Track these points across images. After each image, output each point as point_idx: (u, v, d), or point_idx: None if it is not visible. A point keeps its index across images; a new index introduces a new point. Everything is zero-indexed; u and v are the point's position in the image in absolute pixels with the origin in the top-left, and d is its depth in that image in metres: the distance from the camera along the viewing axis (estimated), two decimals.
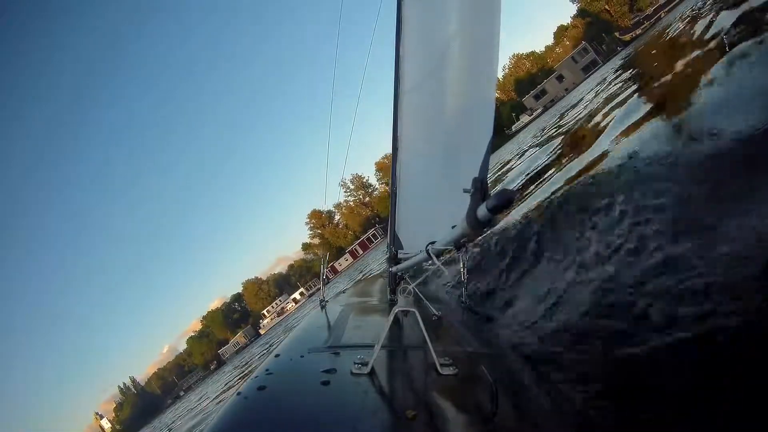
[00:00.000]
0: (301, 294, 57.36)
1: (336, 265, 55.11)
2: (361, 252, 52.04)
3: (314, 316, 1.99)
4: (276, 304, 62.39)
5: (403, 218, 2.08)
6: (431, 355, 1.11)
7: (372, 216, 56.31)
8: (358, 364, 1.07)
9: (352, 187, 54.80)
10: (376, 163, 56.19)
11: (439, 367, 1.09)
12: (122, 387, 75.44)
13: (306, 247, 58.69)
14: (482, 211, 0.82)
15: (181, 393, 63.46)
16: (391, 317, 1.15)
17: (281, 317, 53.75)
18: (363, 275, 13.73)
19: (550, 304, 1.96)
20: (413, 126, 1.90)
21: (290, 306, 57.27)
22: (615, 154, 2.90)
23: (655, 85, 4.82)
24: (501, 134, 47.32)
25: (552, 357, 1.60)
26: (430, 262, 1.25)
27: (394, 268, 2.06)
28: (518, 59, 51.95)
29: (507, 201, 0.77)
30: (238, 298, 68.24)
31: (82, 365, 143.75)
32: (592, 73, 39.23)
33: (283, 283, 65.90)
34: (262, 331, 57.82)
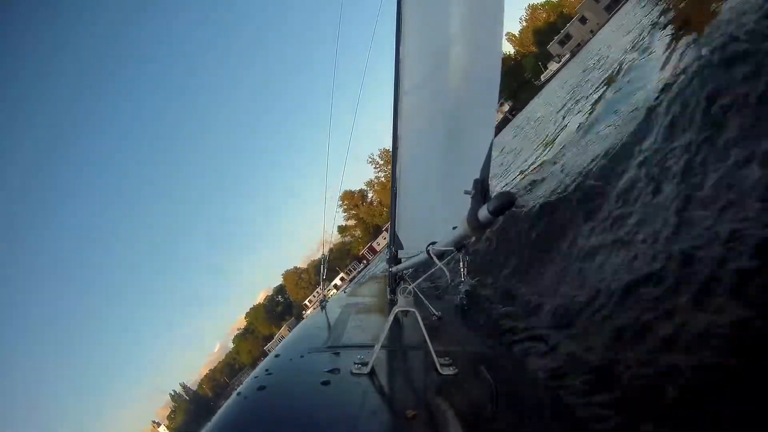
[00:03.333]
0: (342, 279, 57.06)
1: (374, 245, 54.72)
2: None
3: (314, 316, 1.98)
4: (318, 292, 62.35)
5: (404, 218, 2.07)
6: (431, 355, 1.12)
7: None
8: (358, 364, 1.08)
9: (381, 162, 53.74)
10: None
11: (439, 367, 1.10)
12: (173, 394, 76.66)
13: (342, 229, 58.26)
14: (483, 212, 0.84)
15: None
16: (391, 317, 1.16)
17: None
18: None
19: (552, 302, 1.87)
20: (414, 126, 1.88)
21: (332, 293, 57.11)
22: None
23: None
24: (528, 86, 46.23)
25: (552, 357, 1.54)
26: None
27: (394, 268, 2.09)
28: (533, 9, 50.54)
29: (508, 203, 0.78)
30: (280, 290, 68.39)
31: (140, 373, 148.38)
32: (616, 11, 37.93)
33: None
34: None
